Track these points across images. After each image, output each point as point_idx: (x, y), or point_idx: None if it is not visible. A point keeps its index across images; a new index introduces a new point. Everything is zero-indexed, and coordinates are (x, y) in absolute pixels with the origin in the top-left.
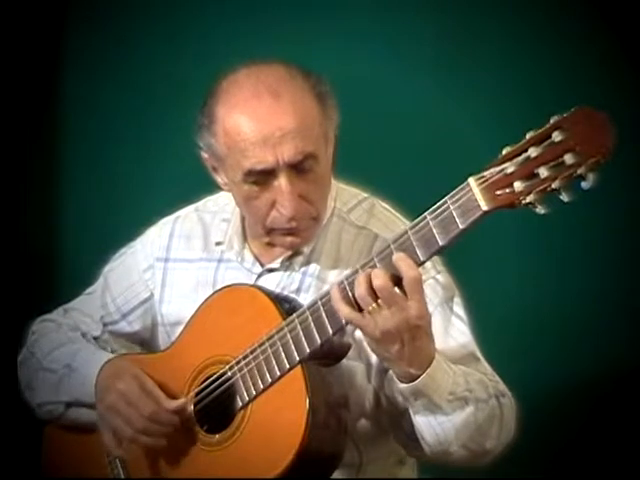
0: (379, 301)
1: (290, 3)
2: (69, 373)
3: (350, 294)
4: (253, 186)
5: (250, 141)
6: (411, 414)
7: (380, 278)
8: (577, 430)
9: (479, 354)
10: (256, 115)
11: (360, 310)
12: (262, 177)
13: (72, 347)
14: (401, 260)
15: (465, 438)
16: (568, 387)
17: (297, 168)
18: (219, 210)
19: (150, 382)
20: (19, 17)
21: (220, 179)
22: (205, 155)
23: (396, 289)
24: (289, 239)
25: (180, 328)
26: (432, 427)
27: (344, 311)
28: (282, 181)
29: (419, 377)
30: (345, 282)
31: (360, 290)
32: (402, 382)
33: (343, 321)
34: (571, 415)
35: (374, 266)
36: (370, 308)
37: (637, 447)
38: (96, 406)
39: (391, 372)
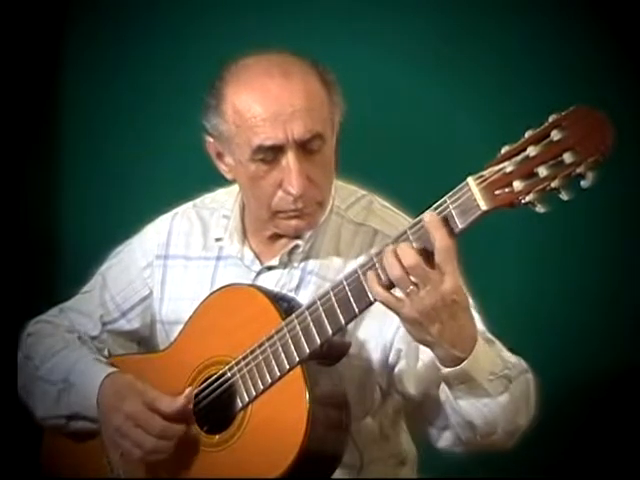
0: (412, 280)
1: (290, 2)
2: (68, 388)
3: (383, 277)
4: (260, 164)
5: (261, 117)
6: (451, 400)
7: (411, 256)
8: (576, 430)
9: (492, 336)
10: (267, 92)
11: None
12: (270, 154)
13: (69, 356)
14: (434, 228)
15: (510, 417)
16: (567, 387)
17: (305, 147)
18: (218, 207)
19: (152, 395)
20: (19, 16)
21: (224, 165)
22: (210, 140)
23: None
24: (294, 222)
25: (179, 327)
26: (479, 410)
27: (381, 293)
28: (290, 159)
29: (464, 360)
30: (375, 260)
31: (396, 271)
32: (446, 366)
33: (343, 321)
34: (570, 415)
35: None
36: (410, 289)
37: (637, 447)
38: (101, 426)
39: (400, 368)
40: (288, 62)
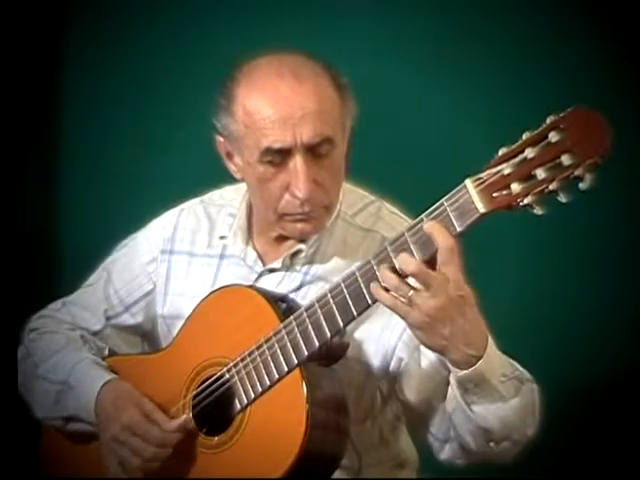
0: (415, 285)
1: (291, 2)
2: (66, 390)
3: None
4: (268, 167)
5: (270, 119)
6: (464, 407)
7: (412, 263)
8: (576, 430)
9: None
10: (277, 94)
11: None
12: (278, 157)
13: (69, 356)
14: (436, 230)
15: (520, 423)
16: (567, 388)
17: (314, 151)
18: (225, 204)
19: (151, 406)
20: (19, 16)
21: (233, 165)
22: (220, 139)
23: None
24: (300, 226)
25: (179, 322)
26: (493, 413)
27: (389, 300)
28: (298, 162)
29: (479, 360)
30: (373, 262)
31: (393, 281)
32: (461, 369)
33: (341, 324)
34: (570, 416)
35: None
36: (410, 294)
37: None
38: (99, 434)
39: (401, 377)
40: (300, 64)
